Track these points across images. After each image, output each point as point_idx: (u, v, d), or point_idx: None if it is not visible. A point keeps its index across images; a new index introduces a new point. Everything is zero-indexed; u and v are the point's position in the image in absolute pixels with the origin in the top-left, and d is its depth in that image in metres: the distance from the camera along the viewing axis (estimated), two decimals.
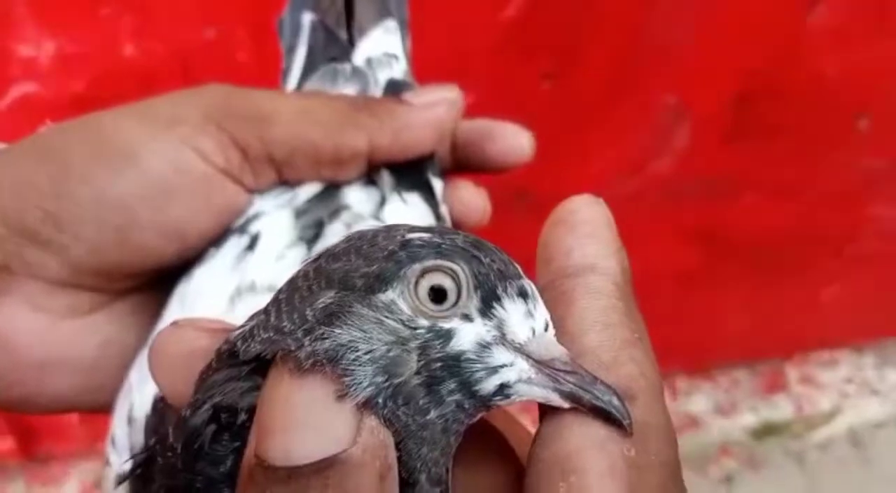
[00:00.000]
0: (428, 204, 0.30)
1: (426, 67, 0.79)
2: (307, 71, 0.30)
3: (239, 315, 0.24)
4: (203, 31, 0.77)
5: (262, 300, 0.23)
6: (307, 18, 0.30)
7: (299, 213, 0.26)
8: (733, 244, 1.08)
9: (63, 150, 0.21)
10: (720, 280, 1.12)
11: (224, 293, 0.24)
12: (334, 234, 0.26)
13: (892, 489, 1.28)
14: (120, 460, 0.24)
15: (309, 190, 0.27)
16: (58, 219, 0.21)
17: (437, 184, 0.31)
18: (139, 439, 0.24)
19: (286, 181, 0.27)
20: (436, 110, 0.27)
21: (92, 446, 1.01)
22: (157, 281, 0.26)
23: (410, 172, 0.29)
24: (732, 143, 0.93)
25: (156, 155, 0.22)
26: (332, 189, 0.27)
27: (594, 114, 0.85)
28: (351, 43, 0.32)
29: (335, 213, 0.27)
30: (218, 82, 0.27)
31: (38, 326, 0.22)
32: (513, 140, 0.31)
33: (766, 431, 1.30)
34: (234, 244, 0.25)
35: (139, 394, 0.24)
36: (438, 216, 0.30)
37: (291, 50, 0.31)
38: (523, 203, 0.92)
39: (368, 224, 0.26)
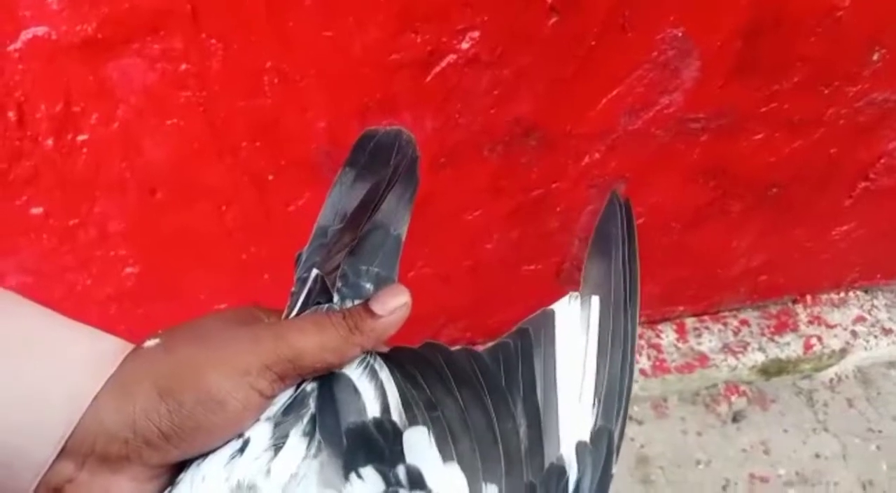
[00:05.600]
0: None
1: (432, 7, 0.78)
2: (305, 304, 0.41)
3: None
4: None
5: None
6: (314, 273, 0.41)
7: (277, 423, 0.37)
8: (744, 181, 1.07)
9: (178, 394, 0.34)
10: (730, 218, 1.12)
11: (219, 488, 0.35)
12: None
13: None
14: None
15: (282, 398, 0.38)
16: (169, 437, 0.34)
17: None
18: None
19: None
20: (397, 315, 0.39)
21: None
22: None
23: None
24: (742, 77, 0.92)
25: (235, 401, 0.35)
26: (299, 397, 0.38)
27: (601, 49, 0.85)
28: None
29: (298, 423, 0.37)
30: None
31: (133, 488, 0.35)
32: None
33: (776, 369, 1.31)
34: (232, 445, 0.36)
35: None
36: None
37: (300, 282, 0.42)
38: (532, 140, 0.92)
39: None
